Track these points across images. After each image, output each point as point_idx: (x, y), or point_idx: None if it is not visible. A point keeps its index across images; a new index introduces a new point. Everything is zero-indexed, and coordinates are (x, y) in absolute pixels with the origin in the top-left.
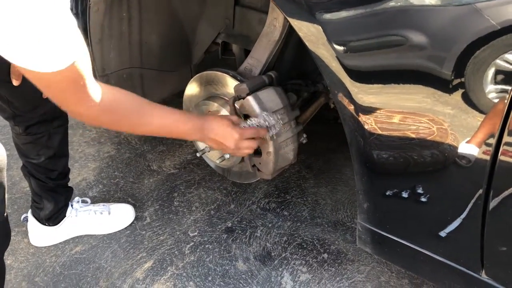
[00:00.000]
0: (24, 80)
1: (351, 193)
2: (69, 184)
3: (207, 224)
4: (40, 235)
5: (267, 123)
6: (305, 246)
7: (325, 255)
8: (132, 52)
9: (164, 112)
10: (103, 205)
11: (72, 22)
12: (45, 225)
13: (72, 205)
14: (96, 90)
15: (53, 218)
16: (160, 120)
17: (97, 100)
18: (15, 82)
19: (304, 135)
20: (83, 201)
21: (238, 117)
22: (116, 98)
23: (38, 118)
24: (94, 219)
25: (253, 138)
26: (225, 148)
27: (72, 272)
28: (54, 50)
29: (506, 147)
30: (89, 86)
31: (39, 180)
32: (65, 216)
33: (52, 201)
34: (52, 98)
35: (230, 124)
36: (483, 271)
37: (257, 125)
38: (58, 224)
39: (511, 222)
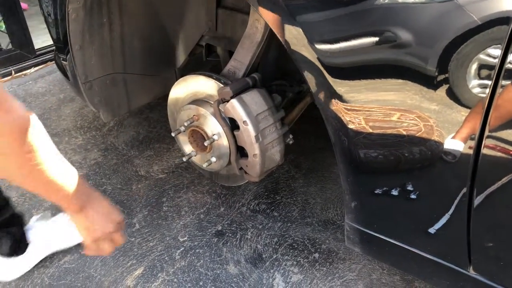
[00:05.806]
0: None
1: (340, 191)
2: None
3: (197, 228)
4: (7, 269)
5: None
6: (296, 246)
7: (316, 255)
8: (115, 58)
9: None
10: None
11: None
12: (10, 257)
13: (31, 228)
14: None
15: (16, 249)
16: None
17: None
18: None
19: (291, 136)
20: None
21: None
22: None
23: None
24: (63, 232)
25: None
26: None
27: (61, 283)
28: None
29: (488, 142)
30: None
31: None
32: (28, 242)
33: (8, 236)
34: None
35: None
36: (471, 267)
37: None
38: (24, 253)
39: (495, 217)
